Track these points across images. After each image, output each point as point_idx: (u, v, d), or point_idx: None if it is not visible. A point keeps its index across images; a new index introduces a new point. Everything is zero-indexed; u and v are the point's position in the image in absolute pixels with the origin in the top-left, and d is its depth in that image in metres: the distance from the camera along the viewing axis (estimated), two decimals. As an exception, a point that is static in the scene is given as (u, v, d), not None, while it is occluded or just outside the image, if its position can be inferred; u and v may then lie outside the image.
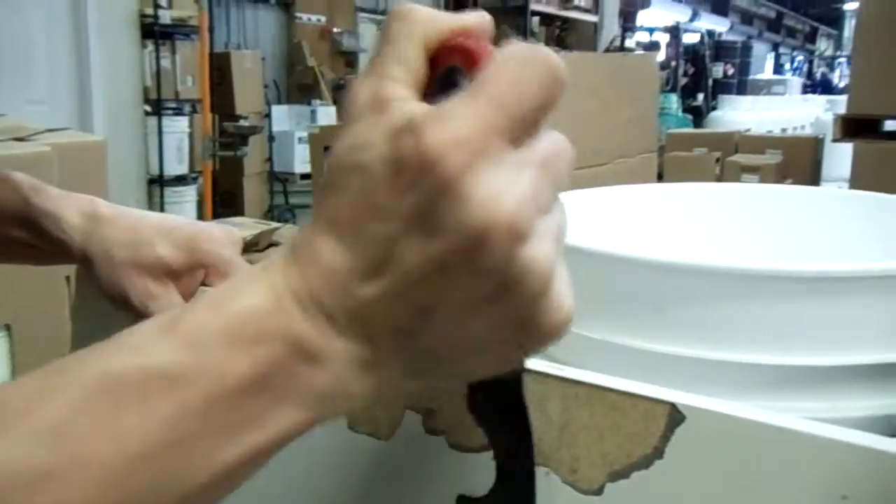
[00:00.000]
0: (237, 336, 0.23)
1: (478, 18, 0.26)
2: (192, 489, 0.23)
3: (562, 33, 8.15)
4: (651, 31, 9.50)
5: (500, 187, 0.22)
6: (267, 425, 0.24)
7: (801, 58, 16.15)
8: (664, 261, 0.44)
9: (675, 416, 0.31)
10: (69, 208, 0.47)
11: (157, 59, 3.95)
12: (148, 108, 3.99)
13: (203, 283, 0.46)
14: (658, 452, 0.32)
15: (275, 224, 2.44)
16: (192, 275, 0.47)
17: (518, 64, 0.24)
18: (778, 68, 14.60)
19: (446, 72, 0.26)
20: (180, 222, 0.48)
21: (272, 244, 2.15)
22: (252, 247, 1.27)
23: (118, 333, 0.25)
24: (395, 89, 0.24)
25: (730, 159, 3.06)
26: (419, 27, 0.25)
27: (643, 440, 0.32)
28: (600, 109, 0.81)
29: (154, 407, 0.23)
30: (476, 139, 0.22)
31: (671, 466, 0.31)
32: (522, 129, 0.23)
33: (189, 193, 4.10)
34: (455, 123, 0.22)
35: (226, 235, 0.47)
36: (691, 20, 10.73)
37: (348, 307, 0.24)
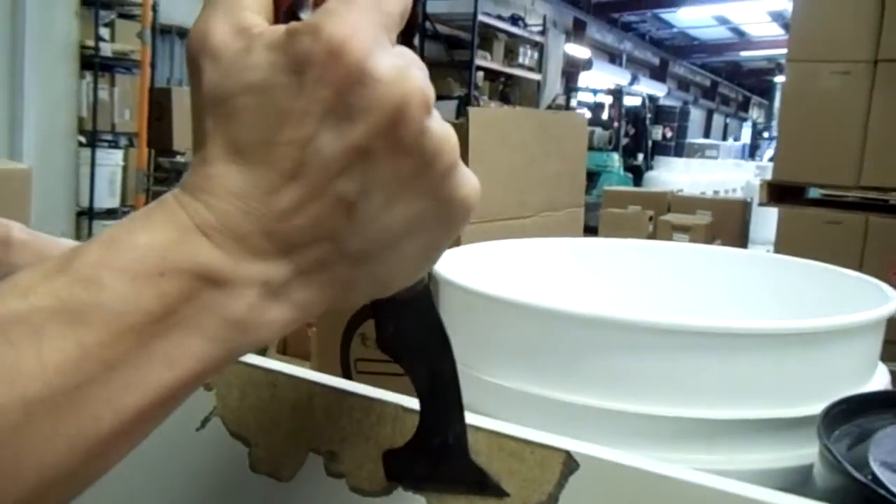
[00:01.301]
0: (138, 271, 0.22)
1: None
2: (100, 436, 0.22)
3: (506, 89, 8.34)
4: (595, 91, 9.81)
5: (402, 64, 0.23)
6: (176, 364, 0.23)
7: (745, 126, 16.84)
8: (572, 312, 0.45)
9: (569, 464, 0.32)
10: None
11: (95, 90, 3.89)
12: (82, 140, 3.91)
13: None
14: (553, 499, 0.32)
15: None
16: None
17: None
18: (708, 132, 15.20)
19: (290, 10, 0.26)
20: None
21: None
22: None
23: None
24: (254, 18, 0.25)
25: (662, 218, 3.15)
26: None
27: (539, 487, 0.32)
28: (527, 163, 0.83)
29: (51, 348, 0.21)
30: (369, 27, 0.23)
31: (564, 514, 0.32)
32: (394, 26, 0.24)
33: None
34: (347, 16, 0.23)
35: None
36: (631, 84, 11.12)
37: (264, 225, 0.23)
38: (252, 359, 0.40)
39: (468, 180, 0.26)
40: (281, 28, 0.24)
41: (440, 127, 0.24)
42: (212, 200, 0.23)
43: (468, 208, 0.26)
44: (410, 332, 0.31)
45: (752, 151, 13.91)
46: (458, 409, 0.33)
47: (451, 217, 0.26)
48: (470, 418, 0.34)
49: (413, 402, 0.36)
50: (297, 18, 0.26)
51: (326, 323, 1.01)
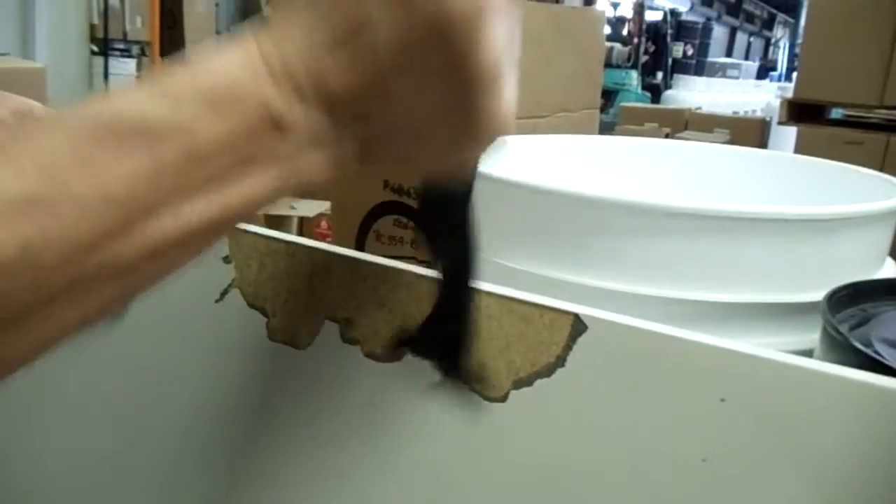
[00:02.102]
0: (214, 98, 0.24)
1: None
2: (161, 241, 0.24)
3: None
4: (615, 5, 9.53)
5: None
6: (234, 187, 0.25)
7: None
8: (582, 194, 0.45)
9: (577, 326, 0.33)
10: (1, 106, 0.46)
11: (106, -4, 3.82)
12: (94, 48, 3.86)
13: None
14: (560, 361, 0.33)
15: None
16: None
17: None
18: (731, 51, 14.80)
19: None
20: None
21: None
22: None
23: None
24: None
25: (679, 135, 3.11)
26: None
27: (547, 349, 0.34)
28: (544, 61, 0.82)
29: (131, 156, 0.23)
30: None
31: (572, 374, 0.33)
32: None
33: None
34: None
35: None
36: (653, -2, 10.79)
37: (315, 77, 0.25)
38: (269, 231, 0.41)
39: (504, 101, 0.26)
40: None
41: (493, 39, 0.25)
42: (281, 40, 0.25)
43: (494, 128, 0.27)
44: (444, 223, 0.33)
45: (789, 75, 13.44)
46: (468, 308, 0.34)
47: (475, 128, 0.27)
48: (484, 285, 0.35)
49: (427, 271, 0.37)
50: None
51: (342, 220, 1.02)
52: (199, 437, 0.44)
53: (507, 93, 0.26)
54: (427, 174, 0.32)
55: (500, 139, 0.28)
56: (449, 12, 0.24)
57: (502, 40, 0.25)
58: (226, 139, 0.24)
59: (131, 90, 0.25)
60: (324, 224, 2.11)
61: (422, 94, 0.26)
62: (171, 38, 4.10)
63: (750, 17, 16.15)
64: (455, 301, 0.35)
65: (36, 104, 0.48)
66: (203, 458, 0.44)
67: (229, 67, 0.25)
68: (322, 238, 2.11)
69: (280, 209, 2.03)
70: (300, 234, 2.15)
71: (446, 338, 0.35)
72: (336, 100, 0.25)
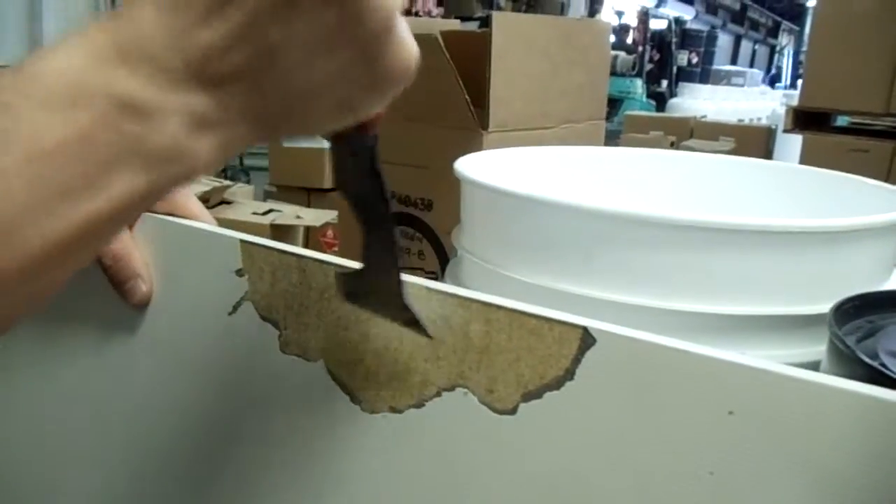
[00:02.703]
0: (47, 98, 0.22)
1: None
2: (27, 259, 0.22)
3: (528, 9, 8.15)
4: (620, 14, 9.56)
5: None
6: (100, 190, 0.22)
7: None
8: (590, 207, 0.46)
9: (586, 339, 0.33)
10: None
11: (114, 4, 3.84)
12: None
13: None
14: (569, 374, 0.34)
15: (227, 182, 2.42)
16: None
17: None
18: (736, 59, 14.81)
19: None
20: None
21: (223, 201, 2.14)
22: (203, 203, 1.27)
23: None
24: None
25: (684, 143, 3.12)
26: None
27: (556, 362, 0.34)
28: (550, 72, 0.83)
29: None
30: None
31: (581, 386, 0.34)
32: None
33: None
34: None
35: None
36: (658, 6, 10.81)
37: (188, 55, 0.23)
38: (282, 245, 0.42)
39: (403, 46, 0.25)
40: None
41: None
42: (135, 24, 0.23)
43: (398, 78, 0.25)
44: (355, 180, 0.34)
45: (794, 82, 13.40)
46: (392, 258, 0.35)
47: (377, 81, 0.25)
48: (491, 298, 0.36)
49: (436, 284, 0.37)
50: None
51: (350, 232, 1.03)
52: (211, 447, 0.44)
53: (406, 38, 0.25)
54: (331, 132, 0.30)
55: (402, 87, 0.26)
56: None
57: None
58: (76, 137, 0.22)
59: None
60: (330, 233, 2.12)
61: (314, 54, 0.24)
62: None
63: (755, 25, 16.16)
64: (377, 254, 0.35)
65: None
66: (215, 469, 0.44)
67: (65, 61, 0.22)
68: (329, 247, 2.12)
69: (286, 219, 2.04)
70: (306, 243, 2.15)
71: (383, 281, 0.36)
72: (218, 76, 0.23)
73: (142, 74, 0.22)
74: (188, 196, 0.48)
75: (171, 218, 0.45)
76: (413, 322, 0.36)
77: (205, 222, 0.45)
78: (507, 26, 0.79)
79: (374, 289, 0.37)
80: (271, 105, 0.25)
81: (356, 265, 0.40)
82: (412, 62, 0.26)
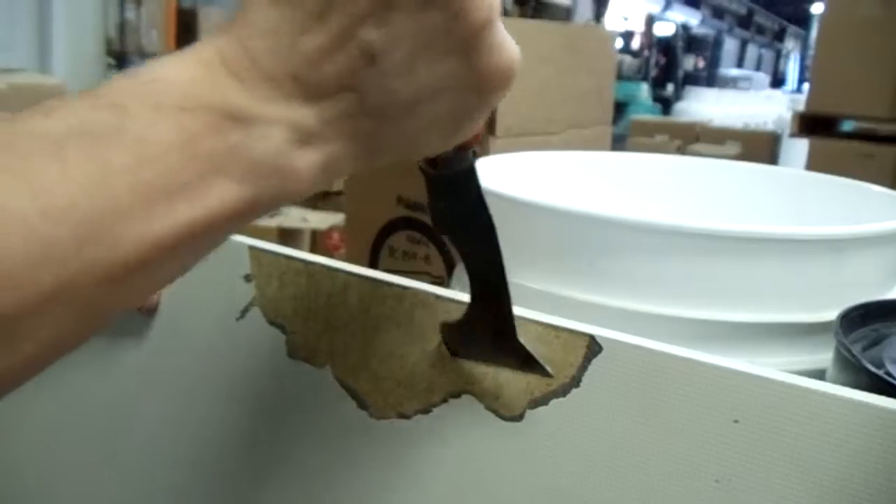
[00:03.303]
0: (160, 102, 0.22)
1: None
2: (121, 260, 0.21)
3: (535, 14, 8.16)
4: (625, 18, 9.57)
5: None
6: (199, 198, 0.22)
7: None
8: (596, 214, 0.46)
9: (593, 347, 0.34)
10: None
11: (122, 10, 3.86)
12: (112, 62, 3.90)
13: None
14: (576, 381, 0.34)
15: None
16: None
17: None
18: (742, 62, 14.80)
19: None
20: None
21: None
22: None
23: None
24: None
25: (690, 148, 3.12)
26: None
27: (563, 370, 0.34)
28: (556, 78, 0.83)
29: (75, 165, 0.21)
30: None
31: (587, 394, 0.34)
32: None
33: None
34: None
35: None
36: (664, 10, 10.81)
37: (292, 64, 0.23)
38: (289, 250, 0.42)
39: (505, 47, 0.25)
40: None
41: None
42: (243, 38, 0.23)
43: (501, 78, 0.25)
44: (456, 210, 0.32)
45: (800, 87, 13.33)
46: (503, 291, 0.34)
47: (482, 84, 0.25)
48: (498, 306, 0.36)
49: (444, 291, 0.38)
50: None
51: (356, 235, 1.03)
52: (220, 452, 0.44)
53: (506, 37, 0.25)
54: (434, 158, 0.29)
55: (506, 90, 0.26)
56: None
57: None
58: (181, 142, 0.22)
59: (71, 101, 0.22)
60: (336, 236, 2.12)
61: (416, 57, 0.24)
62: (186, 52, 4.13)
63: (761, 30, 16.14)
64: (494, 290, 0.34)
65: None
66: (222, 473, 0.44)
67: (179, 68, 0.23)
68: (334, 250, 2.12)
69: (293, 222, 2.05)
70: (313, 246, 2.16)
71: (491, 329, 0.34)
72: (320, 85, 0.23)
73: (247, 85, 0.23)
74: None
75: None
76: (531, 361, 0.34)
77: None
78: (513, 34, 0.80)
79: (483, 333, 0.35)
80: (375, 120, 0.25)
81: (366, 271, 0.40)
82: (515, 62, 0.25)
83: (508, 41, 0.25)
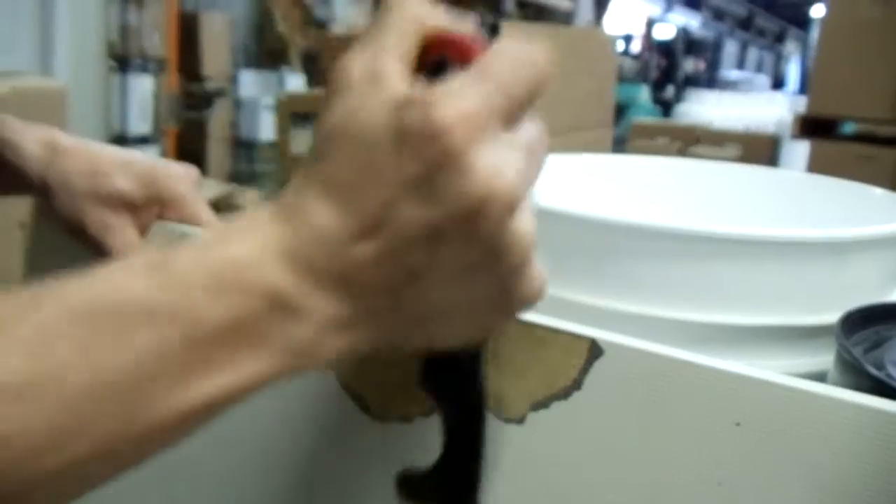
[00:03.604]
0: (218, 282, 0.24)
1: (468, 23, 0.29)
2: (154, 426, 0.24)
3: (536, 17, 8.17)
4: (625, 21, 9.58)
5: (499, 161, 0.24)
6: (236, 370, 0.24)
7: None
8: (598, 217, 0.46)
9: (594, 350, 0.34)
10: (29, 139, 0.48)
11: (124, 13, 3.87)
12: (113, 64, 3.91)
13: (159, 217, 0.47)
14: (577, 384, 0.34)
15: (236, 187, 2.43)
16: (149, 208, 0.48)
17: (515, 52, 0.26)
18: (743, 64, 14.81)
19: (437, 61, 0.27)
20: (140, 157, 0.49)
21: (232, 206, 2.15)
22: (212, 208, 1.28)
23: (100, 267, 0.25)
24: (392, 65, 0.26)
25: (690, 150, 3.12)
26: (417, 13, 0.27)
27: (564, 373, 0.34)
28: (557, 81, 0.84)
29: (131, 340, 0.23)
30: (481, 116, 0.24)
31: (588, 396, 0.34)
32: (517, 112, 0.26)
33: (152, 153, 4.04)
34: (462, 101, 0.24)
35: (184, 171, 0.48)
36: (665, 13, 10.82)
37: (339, 267, 0.25)
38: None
39: (537, 276, 0.27)
40: (403, 90, 0.25)
41: (522, 227, 0.26)
42: (299, 229, 0.25)
43: (531, 302, 0.28)
44: (448, 383, 0.33)
45: (801, 89, 13.30)
46: (474, 476, 0.34)
47: (510, 307, 0.28)
48: (500, 309, 0.36)
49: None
50: (444, 73, 0.26)
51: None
52: (219, 455, 0.45)
53: (539, 270, 0.27)
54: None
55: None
56: (482, 203, 0.24)
57: (529, 223, 0.26)
58: (230, 324, 0.24)
59: (131, 267, 0.25)
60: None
61: (454, 282, 0.26)
62: (187, 55, 4.15)
63: (761, 32, 16.16)
64: (464, 452, 0.34)
65: (60, 133, 0.49)
66: (222, 477, 0.45)
67: (239, 250, 0.25)
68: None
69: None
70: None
71: (453, 488, 0.34)
72: (364, 288, 0.25)
73: (298, 276, 0.25)
74: (200, 205, 0.48)
75: (181, 226, 0.45)
76: None
77: None
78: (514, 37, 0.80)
79: (444, 485, 0.34)
80: (406, 320, 0.27)
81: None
82: (544, 291, 0.28)
83: (540, 273, 0.27)
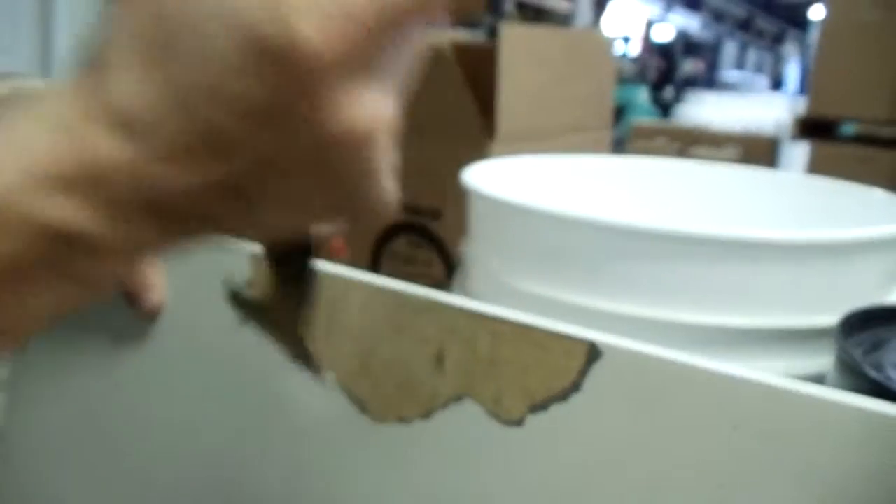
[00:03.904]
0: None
1: None
2: None
3: (534, 19, 8.18)
4: (624, 22, 9.57)
5: (372, 102, 0.20)
6: (20, 307, 0.21)
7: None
8: (597, 219, 0.46)
9: (593, 352, 0.34)
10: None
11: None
12: (111, 66, 3.91)
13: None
14: (575, 386, 0.34)
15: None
16: None
17: None
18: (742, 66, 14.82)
19: None
20: None
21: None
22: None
23: None
24: None
25: (689, 151, 3.12)
26: None
27: (563, 375, 0.34)
28: (556, 82, 0.83)
29: None
30: (358, 37, 0.19)
31: (587, 399, 0.34)
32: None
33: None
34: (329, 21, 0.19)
35: None
36: (664, 14, 10.82)
37: (138, 183, 0.20)
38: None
39: (384, 196, 0.23)
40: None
41: (379, 158, 0.21)
42: (91, 147, 0.20)
43: (371, 217, 0.24)
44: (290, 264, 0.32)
45: (801, 90, 13.27)
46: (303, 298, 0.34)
47: (350, 215, 0.23)
48: (497, 311, 0.36)
49: (444, 297, 0.38)
50: None
51: (356, 240, 1.04)
52: (218, 457, 0.45)
53: (387, 181, 0.23)
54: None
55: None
56: (343, 144, 0.20)
57: (384, 147, 0.21)
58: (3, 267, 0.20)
59: None
60: (336, 240, 2.13)
61: (286, 204, 0.22)
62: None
63: (760, 33, 16.17)
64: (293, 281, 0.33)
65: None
66: (222, 479, 0.44)
67: (35, 138, 0.20)
68: (336, 253, 2.12)
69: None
70: (313, 250, 2.16)
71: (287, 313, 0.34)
72: (169, 208, 0.21)
73: (85, 203, 0.20)
74: None
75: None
76: (307, 357, 0.35)
77: None
78: (514, 39, 0.80)
79: (276, 316, 0.35)
80: (227, 229, 0.23)
81: (369, 276, 0.40)
82: (393, 202, 0.23)
83: (388, 188, 0.23)
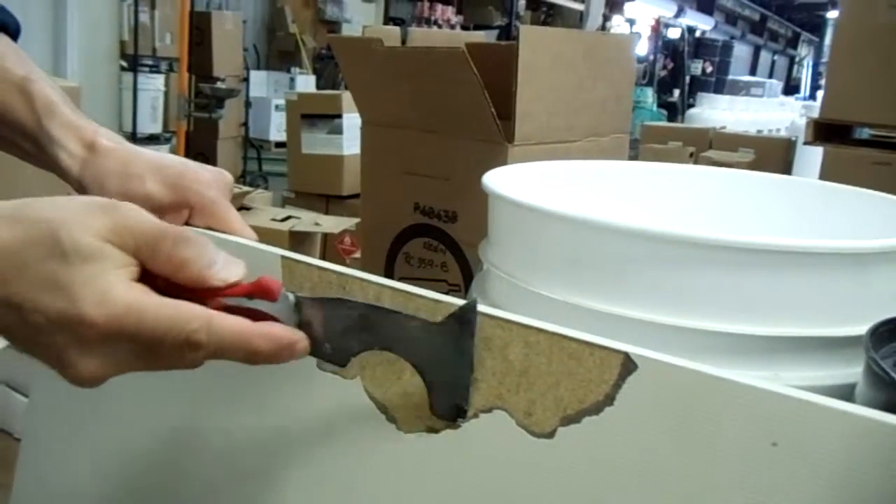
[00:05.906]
0: None
1: None
2: None
3: (547, 18, 8.16)
4: (632, 22, 9.54)
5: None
6: None
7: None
8: (621, 225, 0.46)
9: (628, 365, 0.33)
10: (72, 138, 0.48)
11: (136, 13, 3.88)
12: (124, 64, 3.92)
13: (187, 223, 0.47)
14: (609, 399, 0.34)
15: (246, 188, 2.43)
16: (177, 212, 0.48)
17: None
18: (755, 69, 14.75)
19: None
20: (173, 161, 0.49)
21: (242, 207, 2.15)
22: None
23: None
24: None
25: (703, 154, 3.10)
26: None
27: (596, 387, 0.34)
28: (575, 86, 0.83)
29: None
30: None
31: (621, 412, 0.33)
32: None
33: (162, 152, 4.04)
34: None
35: (215, 177, 0.48)
36: (677, 15, 10.77)
37: None
38: (322, 262, 0.42)
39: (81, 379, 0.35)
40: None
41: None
42: None
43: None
44: None
45: (813, 93, 13.16)
46: None
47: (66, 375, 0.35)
48: (531, 321, 0.36)
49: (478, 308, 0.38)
50: None
51: (371, 242, 1.03)
52: (243, 461, 0.44)
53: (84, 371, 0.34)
54: None
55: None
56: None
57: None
58: None
59: None
60: (348, 240, 2.12)
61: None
62: (199, 55, 4.16)
63: (774, 36, 16.09)
64: None
65: (104, 133, 0.50)
66: (248, 483, 0.44)
67: None
68: (346, 254, 2.12)
69: (304, 226, 2.05)
70: (324, 249, 2.16)
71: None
72: None
73: None
74: (229, 210, 0.48)
75: (210, 232, 0.45)
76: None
77: (246, 237, 0.46)
78: (533, 40, 0.80)
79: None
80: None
81: (399, 285, 0.40)
82: (87, 384, 0.35)
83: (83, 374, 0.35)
